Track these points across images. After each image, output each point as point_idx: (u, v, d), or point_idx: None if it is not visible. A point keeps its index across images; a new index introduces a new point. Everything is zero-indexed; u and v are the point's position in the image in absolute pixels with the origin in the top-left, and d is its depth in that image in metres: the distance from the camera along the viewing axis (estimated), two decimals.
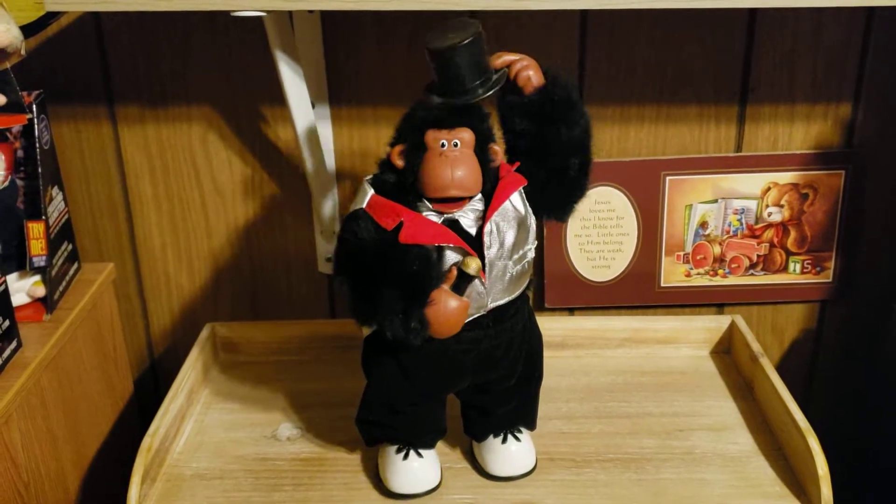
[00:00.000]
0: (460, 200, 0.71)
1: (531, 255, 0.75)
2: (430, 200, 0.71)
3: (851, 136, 1.05)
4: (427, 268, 0.69)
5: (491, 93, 0.72)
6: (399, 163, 0.72)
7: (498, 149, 0.73)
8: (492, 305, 0.74)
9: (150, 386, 1.17)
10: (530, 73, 0.73)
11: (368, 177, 0.74)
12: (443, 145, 0.70)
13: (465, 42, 0.69)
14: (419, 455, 0.81)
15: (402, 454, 0.81)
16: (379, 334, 0.76)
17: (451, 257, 0.70)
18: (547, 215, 0.76)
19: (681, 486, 0.82)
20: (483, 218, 0.72)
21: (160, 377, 1.17)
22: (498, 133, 0.76)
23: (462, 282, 0.70)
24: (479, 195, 0.73)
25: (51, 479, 0.89)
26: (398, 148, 0.72)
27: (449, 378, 0.78)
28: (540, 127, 0.73)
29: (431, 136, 0.70)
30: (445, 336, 0.70)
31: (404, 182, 0.72)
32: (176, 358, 1.11)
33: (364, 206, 0.72)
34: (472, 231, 0.72)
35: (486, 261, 0.72)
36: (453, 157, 0.70)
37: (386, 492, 0.81)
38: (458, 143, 0.70)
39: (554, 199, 0.76)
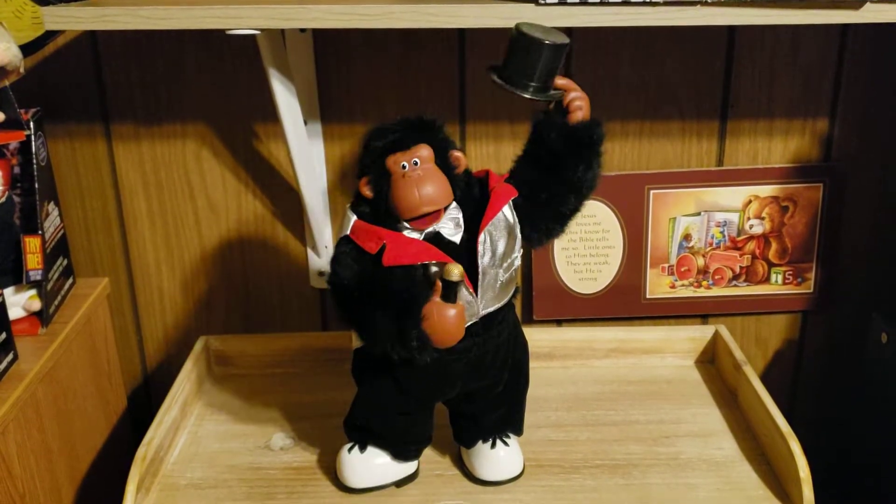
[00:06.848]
0: (435, 213, 0.73)
1: (517, 262, 0.77)
2: (406, 220, 0.73)
3: (829, 149, 1.08)
4: (411, 286, 0.70)
5: (540, 99, 0.74)
6: (368, 193, 0.74)
7: (459, 154, 0.76)
8: (483, 312, 0.76)
9: (143, 400, 1.18)
10: (583, 105, 0.76)
11: (351, 203, 0.77)
12: (403, 167, 0.72)
13: (555, 43, 0.71)
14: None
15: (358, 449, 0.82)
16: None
17: (432, 270, 0.72)
18: (522, 234, 0.78)
19: (667, 491, 0.84)
20: (463, 225, 0.75)
21: (153, 391, 1.18)
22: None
23: (450, 289, 0.71)
24: (455, 203, 0.75)
25: (45, 490, 0.90)
26: (364, 179, 0.74)
27: (439, 387, 0.80)
28: (567, 152, 0.75)
29: (391, 160, 0.72)
30: (450, 344, 0.71)
31: (378, 210, 0.74)
32: (169, 372, 1.11)
33: (348, 232, 0.74)
34: (456, 239, 0.74)
35: (480, 269, 0.74)
36: (416, 176, 0.72)
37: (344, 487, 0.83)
38: (418, 160, 0.72)
39: (537, 220, 0.78)
